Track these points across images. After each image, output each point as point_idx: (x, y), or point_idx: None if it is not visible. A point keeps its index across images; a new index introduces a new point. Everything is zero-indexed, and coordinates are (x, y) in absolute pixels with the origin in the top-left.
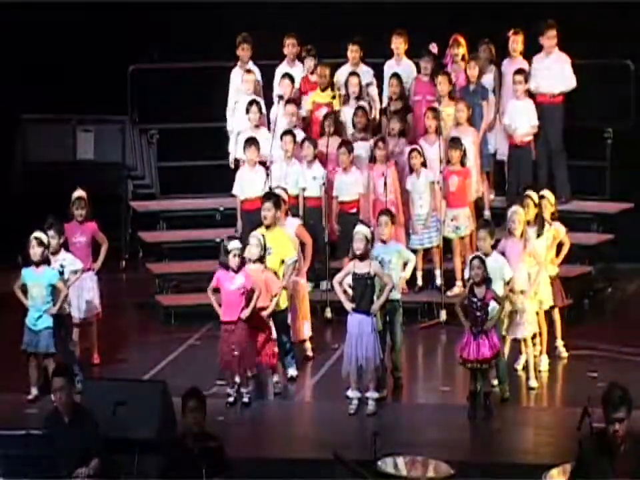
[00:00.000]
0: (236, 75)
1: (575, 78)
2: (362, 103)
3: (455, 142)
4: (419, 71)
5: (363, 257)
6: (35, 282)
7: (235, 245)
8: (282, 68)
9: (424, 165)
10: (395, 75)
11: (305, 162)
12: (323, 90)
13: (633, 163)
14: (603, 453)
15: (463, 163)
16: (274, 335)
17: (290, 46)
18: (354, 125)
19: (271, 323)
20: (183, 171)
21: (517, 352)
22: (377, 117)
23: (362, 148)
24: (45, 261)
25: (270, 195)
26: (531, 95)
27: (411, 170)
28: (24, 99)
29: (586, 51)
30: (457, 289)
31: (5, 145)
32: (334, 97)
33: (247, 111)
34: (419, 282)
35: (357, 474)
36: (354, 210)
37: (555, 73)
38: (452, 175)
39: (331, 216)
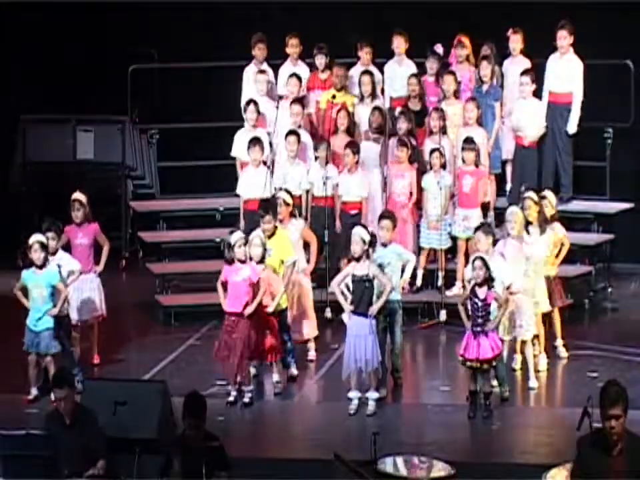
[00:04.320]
0: (250, 73)
1: (582, 87)
2: (378, 103)
3: (469, 142)
4: (421, 71)
5: (361, 258)
6: (36, 283)
7: (238, 235)
8: (286, 68)
9: (443, 166)
10: (414, 75)
11: (318, 163)
12: (339, 90)
13: (633, 163)
14: (600, 451)
15: (476, 164)
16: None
17: (293, 46)
18: (370, 124)
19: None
20: (183, 171)
21: (512, 352)
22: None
23: (372, 149)
24: (46, 262)
25: (266, 207)
26: (535, 95)
27: (425, 170)
28: (24, 99)
29: (586, 51)
30: (457, 289)
31: (5, 144)
32: (333, 97)
33: (244, 111)
34: (419, 281)
35: (357, 474)
36: (355, 211)
37: (563, 75)
38: (466, 175)
39: (337, 217)
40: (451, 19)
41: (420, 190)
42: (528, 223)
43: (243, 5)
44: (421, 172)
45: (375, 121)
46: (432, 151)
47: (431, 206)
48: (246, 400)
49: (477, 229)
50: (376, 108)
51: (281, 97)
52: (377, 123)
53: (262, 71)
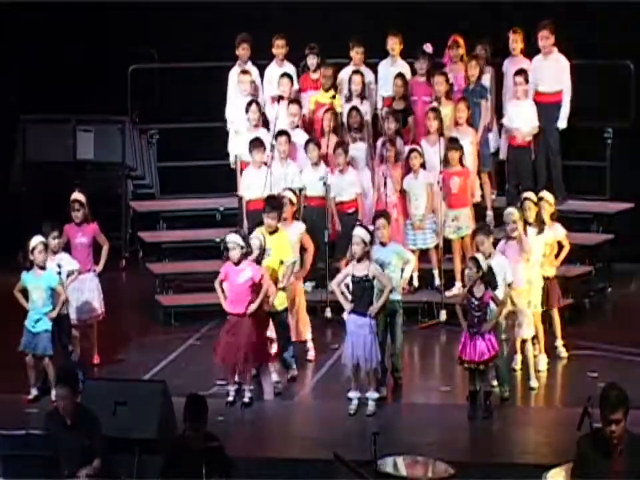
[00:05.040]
0: (234, 74)
1: (571, 83)
2: (359, 102)
3: (453, 143)
4: (413, 72)
5: (361, 259)
6: (35, 285)
7: (231, 238)
8: (271, 68)
9: (423, 166)
10: (400, 75)
11: (309, 164)
12: (326, 90)
13: (633, 163)
14: (600, 452)
15: (462, 164)
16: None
17: (279, 46)
18: (349, 126)
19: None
20: (183, 171)
21: (512, 352)
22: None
23: (359, 148)
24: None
25: (273, 204)
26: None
27: (409, 170)
28: (24, 98)
29: (586, 51)
30: (456, 289)
31: (5, 144)
32: (334, 97)
33: (246, 111)
34: (415, 282)
35: (357, 474)
36: (352, 210)
37: (551, 74)
38: (453, 177)
39: (333, 216)
40: (447, 19)
41: (402, 191)
42: (526, 224)
43: (242, 5)
44: (406, 171)
45: (355, 121)
46: (410, 152)
47: (413, 206)
48: (246, 400)
49: (476, 231)
50: (353, 108)
51: (281, 97)
52: (357, 123)
53: (245, 71)
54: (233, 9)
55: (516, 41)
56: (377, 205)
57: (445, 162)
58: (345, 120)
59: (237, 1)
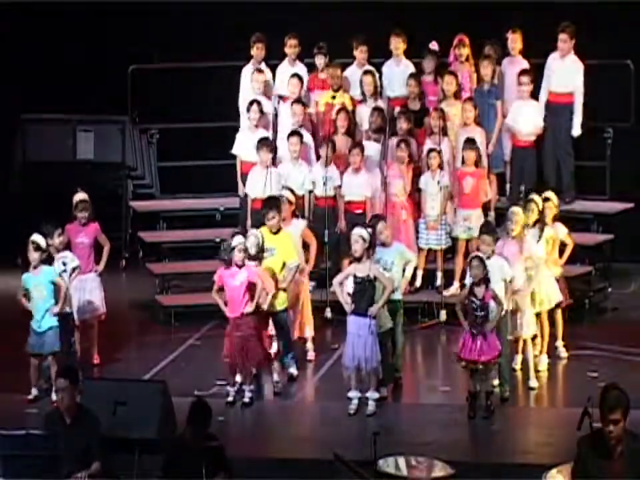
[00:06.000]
0: (248, 72)
1: (583, 88)
2: (379, 102)
3: (470, 143)
4: (419, 71)
5: (362, 258)
6: (35, 284)
7: (239, 240)
8: (283, 68)
9: (440, 166)
10: (413, 76)
11: (319, 162)
12: (336, 90)
13: (633, 163)
14: (600, 453)
15: (477, 164)
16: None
17: (292, 46)
18: (369, 125)
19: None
20: (183, 171)
21: (513, 352)
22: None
23: (373, 148)
24: (44, 262)
25: (271, 204)
26: (533, 95)
27: (427, 169)
28: (24, 99)
29: (586, 51)
30: (454, 289)
31: (5, 144)
32: (333, 97)
33: (247, 110)
34: (418, 281)
35: (357, 474)
36: (359, 211)
37: (564, 75)
38: (466, 176)
39: (341, 216)
40: (451, 19)
41: (418, 191)
42: (526, 225)
43: (242, 5)
44: (419, 172)
45: (375, 122)
46: (429, 151)
47: (429, 206)
48: (246, 400)
49: (481, 231)
50: (376, 108)
51: (281, 97)
52: (377, 124)
53: (259, 70)
54: (233, 9)
55: (515, 41)
56: (387, 206)
57: (461, 161)
58: (357, 119)
59: (237, 1)
